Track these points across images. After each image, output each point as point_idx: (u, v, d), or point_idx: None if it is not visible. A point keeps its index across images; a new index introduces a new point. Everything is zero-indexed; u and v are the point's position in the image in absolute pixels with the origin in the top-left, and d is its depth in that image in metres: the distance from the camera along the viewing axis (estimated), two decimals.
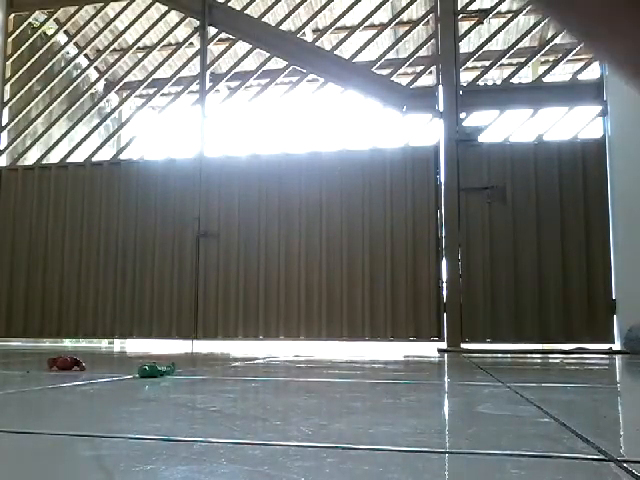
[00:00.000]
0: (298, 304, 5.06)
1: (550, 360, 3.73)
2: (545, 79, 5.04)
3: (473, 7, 5.31)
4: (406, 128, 5.21)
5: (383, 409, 1.39)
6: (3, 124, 6.09)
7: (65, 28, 6.34)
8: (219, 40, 5.94)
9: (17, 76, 6.16)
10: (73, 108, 6.04)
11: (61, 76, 6.17)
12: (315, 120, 5.63)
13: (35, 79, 6.18)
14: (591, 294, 4.63)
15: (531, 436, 1.04)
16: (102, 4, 6.06)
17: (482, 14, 5.25)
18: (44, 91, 6.14)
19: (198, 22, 5.75)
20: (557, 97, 4.94)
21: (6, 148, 6.05)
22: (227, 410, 1.35)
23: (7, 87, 6.17)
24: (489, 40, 5.20)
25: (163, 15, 5.87)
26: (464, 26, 5.51)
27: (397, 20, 5.55)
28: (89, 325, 5.45)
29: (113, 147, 7.73)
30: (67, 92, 6.04)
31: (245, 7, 5.74)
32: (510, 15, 5.32)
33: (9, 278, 5.66)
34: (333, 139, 5.32)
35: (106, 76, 6.95)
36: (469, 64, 5.35)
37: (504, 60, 5.35)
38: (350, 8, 5.51)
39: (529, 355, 4.33)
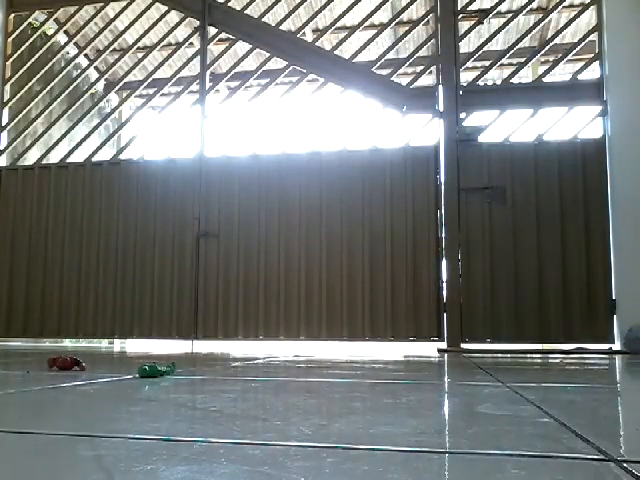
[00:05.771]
0: (298, 304, 5.06)
1: (550, 360, 3.73)
2: (545, 79, 5.03)
3: (473, 7, 5.31)
4: (406, 128, 5.21)
5: (383, 409, 1.39)
6: (3, 124, 6.08)
7: (65, 28, 6.34)
8: (219, 40, 5.93)
9: (17, 76, 6.15)
10: (73, 108, 6.04)
11: (61, 76, 6.17)
12: (315, 120, 5.62)
13: (35, 79, 6.18)
14: (591, 294, 4.63)
15: (531, 436, 1.04)
16: (102, 4, 6.06)
17: (482, 14, 5.25)
18: (44, 91, 6.14)
19: (198, 22, 5.75)
20: (557, 97, 4.94)
21: (6, 148, 6.04)
22: (227, 410, 1.35)
23: (7, 87, 6.17)
24: (489, 40, 5.20)
25: (163, 15, 5.87)
26: (464, 26, 5.51)
27: (397, 20, 5.55)
28: (89, 325, 5.45)
29: (113, 147, 7.73)
30: (67, 92, 6.04)
31: (245, 7, 5.73)
32: (510, 15, 5.32)
33: (9, 278, 5.66)
34: (333, 139, 5.32)
35: (106, 76, 6.95)
36: (469, 64, 5.35)
37: (504, 60, 5.34)
38: (350, 8, 5.51)
39: (529, 355, 4.33)
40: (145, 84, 5.91)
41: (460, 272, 4.82)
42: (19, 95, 6.15)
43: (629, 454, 0.90)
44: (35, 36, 6.36)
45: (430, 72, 5.52)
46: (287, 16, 5.62)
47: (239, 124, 5.61)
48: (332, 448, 0.93)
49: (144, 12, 5.91)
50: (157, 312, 5.32)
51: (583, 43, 5.00)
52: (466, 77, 7.05)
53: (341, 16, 5.52)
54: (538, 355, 4.40)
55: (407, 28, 5.70)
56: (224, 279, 5.23)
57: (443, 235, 4.90)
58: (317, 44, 5.68)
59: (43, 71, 6.20)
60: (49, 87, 6.16)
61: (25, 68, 6.15)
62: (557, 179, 4.78)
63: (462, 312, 4.78)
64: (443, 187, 4.95)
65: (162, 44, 5.97)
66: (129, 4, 6.03)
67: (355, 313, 4.94)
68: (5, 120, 6.11)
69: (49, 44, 6.25)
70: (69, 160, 5.82)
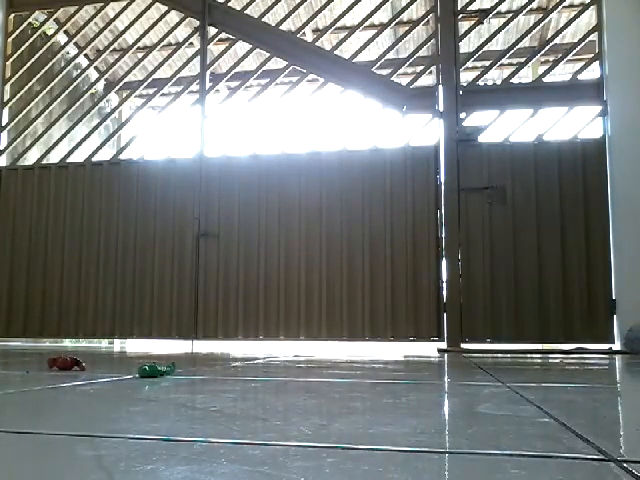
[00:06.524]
0: (298, 304, 5.06)
1: (550, 360, 3.73)
2: (545, 79, 5.03)
3: (473, 7, 5.31)
4: (406, 128, 5.21)
5: (383, 409, 1.39)
6: (3, 124, 6.08)
7: (65, 28, 6.34)
8: (219, 40, 5.93)
9: (17, 76, 6.15)
10: (73, 108, 6.04)
11: (61, 76, 6.17)
12: (315, 120, 5.62)
13: (35, 79, 6.18)
14: (591, 294, 4.63)
15: (531, 436, 1.04)
16: (102, 4, 6.06)
17: (482, 14, 5.25)
18: (44, 91, 6.14)
19: (198, 22, 5.74)
20: (557, 97, 4.94)
21: (6, 148, 6.04)
22: (227, 410, 1.35)
23: (7, 87, 6.17)
24: (489, 40, 5.20)
25: (163, 15, 5.87)
26: (464, 26, 5.51)
27: (397, 20, 5.55)
28: (89, 325, 5.45)
29: (113, 147, 7.73)
30: (67, 92, 6.04)
31: (245, 7, 5.73)
32: (510, 15, 5.31)
33: (9, 278, 5.66)
34: (333, 139, 5.32)
35: (106, 76, 6.95)
36: (469, 64, 5.34)
37: (504, 60, 5.34)
38: (350, 8, 5.51)
39: (529, 355, 4.33)
40: (145, 84, 5.91)
41: (460, 272, 4.82)
42: (19, 95, 6.15)
43: (629, 454, 0.90)
44: (35, 36, 6.36)
45: (430, 72, 5.52)
46: (287, 16, 5.62)
47: (239, 124, 5.61)
48: (332, 448, 0.93)
49: (144, 12, 5.91)
50: (157, 312, 5.32)
51: (583, 43, 5.00)
52: (466, 77, 7.05)
53: (341, 16, 5.52)
54: (538, 355, 4.40)
55: (407, 28, 5.70)
56: (224, 279, 5.23)
57: (443, 235, 4.90)
58: (317, 44, 5.68)
59: (43, 71, 6.20)
60: (49, 87, 6.16)
61: (25, 68, 6.14)
62: (557, 179, 4.78)
63: (462, 312, 4.78)
64: (443, 187, 4.95)
65: (162, 44, 5.97)
66: (129, 4, 6.03)
67: (355, 313, 4.94)
68: (5, 120, 6.11)
69: (49, 44, 6.24)
70: (69, 160, 5.82)
